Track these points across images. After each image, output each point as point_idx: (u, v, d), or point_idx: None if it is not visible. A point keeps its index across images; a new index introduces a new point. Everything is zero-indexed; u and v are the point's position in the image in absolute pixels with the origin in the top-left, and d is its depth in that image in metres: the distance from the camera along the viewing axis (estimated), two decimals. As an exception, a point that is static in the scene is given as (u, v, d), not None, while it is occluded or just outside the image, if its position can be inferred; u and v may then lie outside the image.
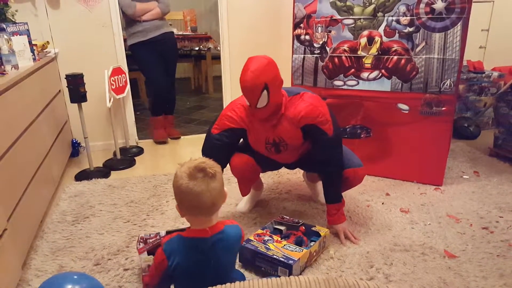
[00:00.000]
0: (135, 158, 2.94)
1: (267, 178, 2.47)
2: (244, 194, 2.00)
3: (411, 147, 2.36)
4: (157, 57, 3.07)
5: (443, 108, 2.23)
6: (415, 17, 2.17)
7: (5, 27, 1.92)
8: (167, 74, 3.19)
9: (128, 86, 3.05)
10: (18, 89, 1.79)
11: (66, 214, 2.09)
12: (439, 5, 2.10)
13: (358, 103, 2.41)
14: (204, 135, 1.84)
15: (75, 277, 1.24)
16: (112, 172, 2.67)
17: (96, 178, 2.52)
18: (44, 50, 2.58)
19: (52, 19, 2.76)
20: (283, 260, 1.51)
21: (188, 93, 5.30)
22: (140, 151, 3.08)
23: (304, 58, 2.48)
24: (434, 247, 1.75)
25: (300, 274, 1.57)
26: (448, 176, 2.45)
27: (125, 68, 3.00)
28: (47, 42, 2.65)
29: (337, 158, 1.76)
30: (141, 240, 1.62)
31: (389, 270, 1.60)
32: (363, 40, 2.29)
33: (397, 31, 2.22)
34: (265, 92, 1.57)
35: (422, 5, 2.14)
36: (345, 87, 2.41)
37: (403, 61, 2.24)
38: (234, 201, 2.19)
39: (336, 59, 2.39)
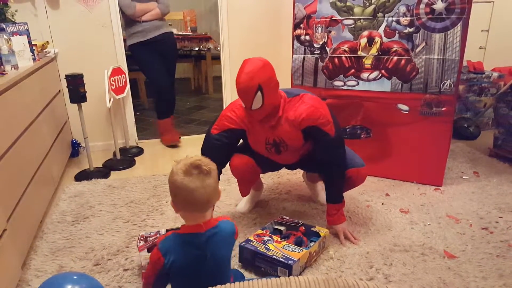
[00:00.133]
0: (135, 158, 2.94)
1: (267, 178, 2.47)
2: (244, 194, 2.00)
3: (411, 148, 2.36)
4: (157, 57, 3.07)
5: (443, 109, 2.23)
6: (415, 18, 2.17)
7: (4, 27, 1.91)
8: (168, 74, 3.19)
9: (128, 86, 3.05)
10: (17, 89, 1.79)
11: (66, 214, 2.09)
12: (439, 5, 2.10)
13: (358, 103, 2.41)
14: (204, 136, 1.84)
15: (75, 277, 1.24)
16: (112, 173, 2.67)
17: (96, 179, 2.52)
18: (44, 50, 2.58)
19: (52, 19, 2.76)
20: (282, 260, 1.51)
21: (188, 94, 5.30)
22: (140, 151, 3.08)
23: (304, 58, 2.48)
24: (433, 247, 1.75)
25: (300, 274, 1.57)
26: (448, 177, 2.45)
27: (125, 68, 3.00)
28: (47, 42, 2.65)
29: (340, 159, 1.76)
30: (142, 238, 1.62)
31: (389, 270, 1.60)
32: (363, 41, 2.29)
33: (397, 31, 2.22)
34: (259, 93, 1.57)
35: (422, 6, 2.14)
36: (345, 87, 2.41)
37: (403, 61, 2.24)
38: (234, 202, 2.19)
39: (336, 60, 2.39)
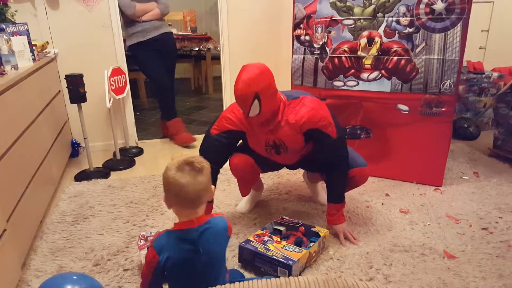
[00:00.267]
0: (135, 158, 2.94)
1: (267, 178, 2.47)
2: (244, 194, 2.00)
3: (411, 148, 2.36)
4: (157, 57, 3.07)
5: (443, 109, 2.23)
6: (415, 18, 2.17)
7: (4, 28, 1.91)
8: (168, 73, 3.19)
9: (128, 86, 3.05)
10: (17, 89, 1.79)
11: (66, 214, 2.09)
12: (439, 5, 2.10)
13: (358, 103, 2.41)
14: (203, 136, 1.84)
15: (75, 277, 1.25)
16: (112, 173, 2.67)
17: (95, 179, 2.52)
18: (44, 51, 2.57)
19: (52, 20, 2.76)
20: (282, 260, 1.51)
21: (188, 94, 5.30)
22: (139, 151, 3.08)
23: (304, 58, 2.48)
24: (433, 247, 1.75)
25: (300, 274, 1.57)
26: (447, 177, 2.45)
27: (125, 68, 3.00)
28: (47, 42, 2.65)
29: (342, 159, 1.75)
30: (142, 238, 1.63)
31: (389, 270, 1.60)
32: (363, 41, 2.29)
33: (397, 31, 2.22)
34: (256, 102, 1.56)
35: (422, 6, 2.14)
36: (345, 87, 2.41)
37: (403, 61, 2.24)
38: (234, 202, 2.19)
39: (336, 60, 2.39)
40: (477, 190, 2.31)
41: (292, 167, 2.00)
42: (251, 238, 1.66)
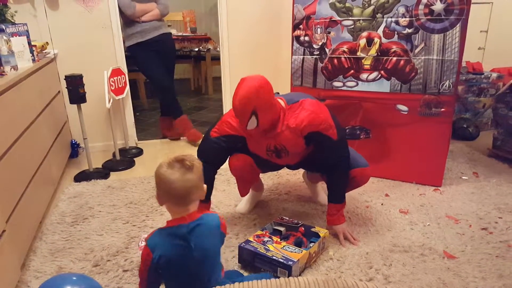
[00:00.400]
0: (135, 159, 2.93)
1: (267, 179, 2.47)
2: (243, 194, 2.00)
3: (410, 148, 2.36)
4: (156, 57, 3.07)
5: (442, 109, 2.23)
6: (414, 18, 2.17)
7: (4, 28, 1.91)
8: (168, 74, 3.19)
9: (128, 87, 3.05)
10: (17, 90, 1.79)
11: (65, 215, 2.09)
12: (438, 6, 2.10)
13: (357, 104, 2.42)
14: (203, 136, 1.84)
15: (74, 278, 1.25)
16: (112, 173, 2.67)
17: (95, 179, 2.52)
18: (44, 51, 2.58)
19: (51, 20, 2.76)
20: (282, 261, 1.51)
21: (188, 94, 5.30)
22: (139, 152, 3.08)
23: (303, 59, 2.48)
24: (433, 248, 1.75)
25: (300, 275, 1.57)
26: (447, 177, 2.46)
27: (124, 69, 3.00)
28: (46, 43, 2.65)
29: (344, 160, 1.75)
30: (144, 240, 1.64)
31: (388, 271, 1.60)
32: (363, 41, 2.30)
33: (396, 32, 2.23)
34: (253, 117, 1.56)
35: (421, 6, 2.14)
36: (344, 88, 2.42)
37: (402, 62, 2.24)
38: (234, 202, 2.19)
39: (335, 60, 2.39)
40: (477, 190, 2.31)
41: (292, 167, 2.00)
42: (251, 239, 1.66)
